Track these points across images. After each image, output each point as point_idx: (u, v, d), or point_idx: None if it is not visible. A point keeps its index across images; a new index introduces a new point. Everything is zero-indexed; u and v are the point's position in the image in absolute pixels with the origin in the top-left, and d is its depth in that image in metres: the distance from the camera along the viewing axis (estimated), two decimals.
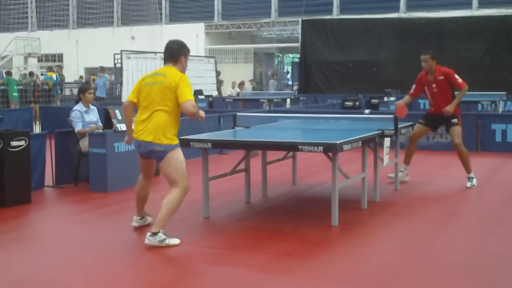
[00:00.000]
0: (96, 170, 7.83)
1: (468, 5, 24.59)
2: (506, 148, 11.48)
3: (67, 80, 28.55)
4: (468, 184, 8.08)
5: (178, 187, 5.39)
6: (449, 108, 8.01)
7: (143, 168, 5.76)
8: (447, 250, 5.27)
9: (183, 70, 5.58)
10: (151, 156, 5.47)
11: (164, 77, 5.38)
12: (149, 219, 6.01)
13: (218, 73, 26.01)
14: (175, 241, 5.34)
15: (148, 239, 5.24)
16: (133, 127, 5.57)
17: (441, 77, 8.05)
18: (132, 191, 7.80)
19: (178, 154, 5.42)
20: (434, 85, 8.11)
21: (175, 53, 5.53)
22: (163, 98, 5.34)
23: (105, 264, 4.95)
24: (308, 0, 27.38)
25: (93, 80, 23.24)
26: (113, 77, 23.74)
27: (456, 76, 8.04)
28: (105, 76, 22.65)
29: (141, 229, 5.94)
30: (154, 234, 5.25)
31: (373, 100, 17.66)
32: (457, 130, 8.09)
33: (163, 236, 5.28)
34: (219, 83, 25.72)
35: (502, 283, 4.49)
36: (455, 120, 8.10)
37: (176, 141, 5.44)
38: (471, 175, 8.14)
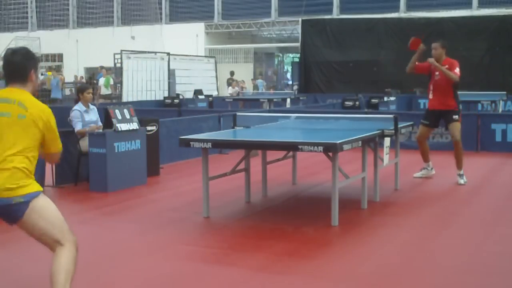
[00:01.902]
0: (96, 170, 7.83)
1: (468, 5, 24.59)
2: (506, 148, 11.47)
3: (66, 80, 28.57)
4: (462, 181, 8.24)
5: (61, 243, 3.69)
6: (433, 60, 8.16)
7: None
8: (447, 250, 5.27)
9: (34, 92, 3.86)
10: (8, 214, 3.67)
11: (23, 108, 3.63)
12: None
13: (232, 73, 25.97)
14: None
15: None
16: None
17: (446, 66, 8.20)
18: (132, 191, 7.83)
19: (45, 201, 3.74)
20: (437, 73, 8.27)
21: (23, 68, 3.74)
22: (23, 136, 3.63)
23: (104, 264, 4.95)
24: (308, 0, 27.37)
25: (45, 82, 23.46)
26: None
27: (458, 69, 8.21)
28: (58, 77, 22.75)
29: (141, 229, 5.94)
30: None
31: (373, 100, 17.64)
32: (457, 126, 8.24)
33: None
34: (229, 82, 25.62)
35: (502, 283, 4.49)
36: (456, 117, 8.23)
37: (38, 185, 3.74)
38: (461, 172, 8.30)
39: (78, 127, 8.24)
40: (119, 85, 20.72)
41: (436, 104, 8.38)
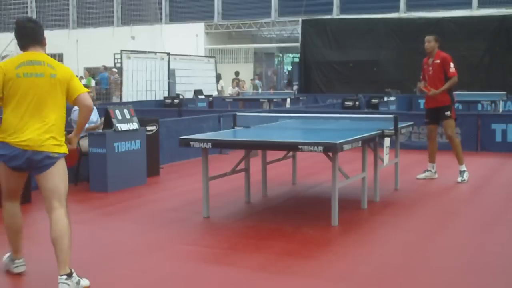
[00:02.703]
0: (96, 170, 7.84)
1: (468, 5, 24.56)
2: (506, 148, 11.47)
3: None
4: (459, 179, 8.29)
5: (62, 207, 4.26)
6: (433, 92, 8.26)
7: (12, 186, 4.45)
8: (447, 250, 5.27)
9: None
10: (38, 165, 4.25)
11: (52, 68, 4.31)
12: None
13: (237, 73, 25.93)
14: (86, 281, 4.29)
15: (67, 284, 4.10)
16: None
17: (438, 61, 8.32)
18: (132, 191, 7.83)
19: (65, 165, 4.38)
20: (431, 68, 8.39)
21: (41, 33, 4.39)
22: (55, 93, 4.29)
23: (104, 264, 4.95)
24: (308, 0, 27.37)
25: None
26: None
27: (451, 64, 8.29)
28: None
29: (141, 229, 5.95)
30: (70, 275, 4.15)
31: (373, 100, 17.65)
32: (449, 123, 8.35)
33: (77, 277, 4.22)
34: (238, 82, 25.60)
35: (502, 283, 4.49)
36: (447, 113, 8.33)
37: (65, 147, 4.40)
38: (463, 167, 8.36)
39: None
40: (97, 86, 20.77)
41: (429, 101, 8.53)
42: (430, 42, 8.49)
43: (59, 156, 4.27)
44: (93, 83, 21.83)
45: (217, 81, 25.08)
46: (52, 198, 4.25)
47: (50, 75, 4.27)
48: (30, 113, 4.21)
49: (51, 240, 4.21)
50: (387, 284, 4.44)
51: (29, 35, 4.34)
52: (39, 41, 4.36)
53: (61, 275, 4.12)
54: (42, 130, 4.20)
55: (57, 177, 4.26)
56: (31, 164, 4.23)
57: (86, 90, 4.46)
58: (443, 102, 8.35)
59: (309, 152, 5.84)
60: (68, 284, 4.11)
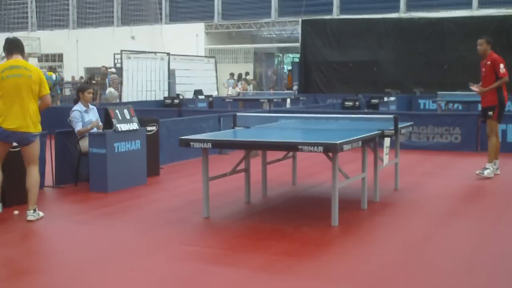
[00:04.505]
0: (96, 170, 7.83)
1: (468, 5, 24.57)
2: (506, 148, 11.44)
3: (66, 80, 28.55)
4: (477, 171, 8.57)
5: (36, 165, 6.42)
6: (480, 89, 8.53)
7: (1, 153, 6.39)
8: (447, 250, 5.27)
9: None
10: (24, 141, 6.30)
11: (28, 71, 6.26)
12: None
13: (246, 73, 25.90)
14: (41, 213, 6.40)
15: (32, 216, 6.26)
16: None
17: (489, 63, 8.49)
18: (132, 191, 7.83)
19: (39, 139, 6.51)
20: (483, 69, 8.60)
21: (22, 45, 6.42)
22: (31, 89, 6.23)
23: (104, 264, 4.95)
24: (308, 0, 27.37)
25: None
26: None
27: (501, 65, 8.46)
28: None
29: (141, 229, 5.95)
30: (35, 210, 6.31)
31: (373, 100, 17.66)
32: (489, 122, 8.61)
33: (38, 211, 6.39)
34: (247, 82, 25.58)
35: (503, 283, 4.49)
36: (490, 113, 8.57)
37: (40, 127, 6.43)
38: (488, 165, 8.59)
39: (78, 127, 8.24)
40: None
41: (481, 101, 8.78)
42: (481, 45, 8.66)
43: (37, 134, 6.33)
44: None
45: (239, 80, 24.97)
46: (31, 161, 6.36)
47: (27, 76, 6.19)
48: (16, 104, 6.13)
49: (26, 187, 6.33)
50: (387, 284, 4.44)
51: (15, 47, 6.33)
52: (21, 50, 6.38)
53: (29, 210, 6.29)
54: (25, 117, 6.16)
55: (35, 147, 6.39)
56: (20, 140, 6.31)
57: (48, 91, 6.44)
58: (490, 102, 8.58)
59: (309, 152, 5.84)
60: (34, 216, 6.29)
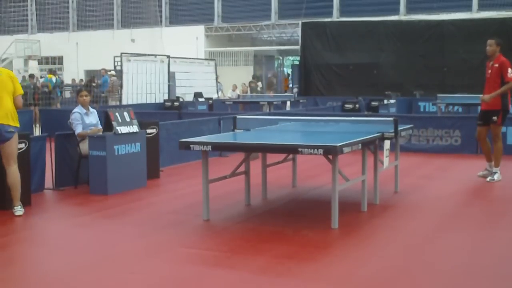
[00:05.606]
0: (96, 172, 7.83)
1: (468, 7, 24.62)
2: (506, 150, 11.42)
3: (66, 82, 28.55)
4: (488, 178, 8.51)
5: (15, 163, 6.59)
6: (485, 97, 8.39)
7: None
8: (447, 252, 5.27)
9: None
10: (3, 138, 6.49)
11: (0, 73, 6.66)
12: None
13: (254, 77, 25.91)
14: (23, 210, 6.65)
15: (20, 211, 6.56)
16: None
17: (497, 65, 8.38)
18: (132, 194, 7.83)
19: (17, 136, 6.68)
20: (489, 71, 8.47)
21: None
22: (8, 88, 6.56)
23: (105, 267, 4.94)
24: (308, 2, 27.41)
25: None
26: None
27: (509, 70, 8.32)
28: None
29: (141, 232, 5.95)
30: (21, 205, 6.58)
31: (373, 103, 17.65)
32: (495, 129, 8.53)
33: (22, 207, 6.64)
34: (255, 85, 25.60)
35: (503, 285, 4.48)
36: (495, 118, 8.46)
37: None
38: (495, 169, 8.54)
39: (78, 129, 8.24)
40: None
41: (483, 103, 8.61)
42: (491, 45, 8.55)
43: (15, 130, 6.53)
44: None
45: (257, 81, 24.97)
46: (10, 159, 6.55)
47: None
48: None
49: (8, 184, 6.53)
50: (388, 287, 4.44)
51: None
52: None
53: (16, 206, 6.57)
54: (4, 110, 6.46)
55: (13, 145, 6.57)
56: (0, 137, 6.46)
57: (22, 91, 6.77)
58: (493, 106, 8.45)
59: (309, 155, 5.84)
60: (21, 210, 6.57)
